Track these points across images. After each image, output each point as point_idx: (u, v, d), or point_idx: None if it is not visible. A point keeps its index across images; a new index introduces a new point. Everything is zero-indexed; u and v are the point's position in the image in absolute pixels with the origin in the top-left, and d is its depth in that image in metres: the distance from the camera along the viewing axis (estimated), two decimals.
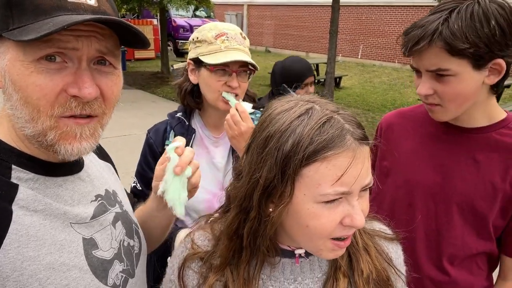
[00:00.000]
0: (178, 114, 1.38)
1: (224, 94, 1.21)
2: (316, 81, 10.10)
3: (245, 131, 1.14)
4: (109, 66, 0.71)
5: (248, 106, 1.19)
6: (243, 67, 1.24)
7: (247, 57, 1.21)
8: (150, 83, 10.29)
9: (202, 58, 1.22)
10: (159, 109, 7.71)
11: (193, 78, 1.30)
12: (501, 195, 1.02)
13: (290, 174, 0.64)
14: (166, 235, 1.06)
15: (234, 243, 0.75)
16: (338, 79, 10.22)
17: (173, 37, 15.09)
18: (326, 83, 7.34)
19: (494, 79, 0.96)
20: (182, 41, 14.74)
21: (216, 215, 0.87)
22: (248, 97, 1.36)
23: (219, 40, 1.22)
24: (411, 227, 1.09)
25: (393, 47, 13.85)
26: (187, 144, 1.30)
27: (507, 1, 0.93)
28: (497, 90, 1.01)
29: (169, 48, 14.13)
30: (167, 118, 1.39)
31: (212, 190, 1.31)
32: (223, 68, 1.21)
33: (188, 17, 15.68)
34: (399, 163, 1.17)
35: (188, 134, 1.33)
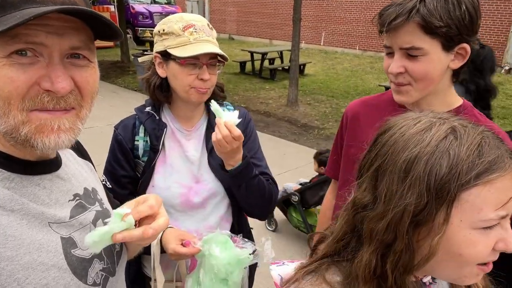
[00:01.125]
0: (148, 109, 1.33)
1: (212, 107, 1.17)
2: (281, 68, 10.17)
3: (238, 147, 1.16)
4: (83, 59, 0.69)
5: (235, 117, 1.16)
6: (213, 59, 1.22)
7: (217, 49, 1.20)
8: (110, 73, 9.91)
9: (171, 51, 1.19)
10: (122, 99, 7.46)
11: (161, 72, 1.26)
12: None
13: (447, 200, 0.59)
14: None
15: (373, 286, 0.65)
16: (302, 66, 10.31)
17: (132, 24, 14.56)
18: (290, 70, 7.38)
19: (458, 64, 1.03)
20: (142, 28, 14.26)
21: (312, 265, 0.73)
22: (217, 87, 1.34)
23: (187, 32, 1.18)
24: None
25: (354, 33, 14.12)
26: (159, 139, 1.28)
27: None
28: (457, 78, 1.08)
29: (128, 36, 13.66)
30: (135, 113, 1.35)
31: (187, 184, 1.30)
32: (194, 61, 1.19)
33: (148, 3, 15.18)
34: (365, 150, 1.22)
35: (160, 128, 1.30)
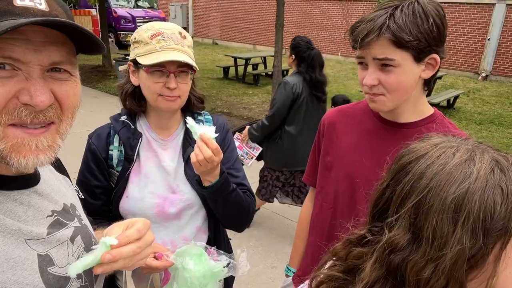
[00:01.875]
0: (123, 118, 1.31)
1: (188, 123, 1.14)
2: (264, 73, 10.21)
3: (218, 163, 1.14)
4: (64, 73, 0.67)
5: (211, 131, 1.14)
6: (182, 67, 1.19)
7: (184, 57, 1.17)
8: (91, 77, 9.76)
9: (139, 59, 1.18)
10: (102, 105, 7.34)
11: (134, 80, 1.25)
12: None
13: (502, 238, 0.55)
14: None
15: None
16: (285, 71, 10.38)
17: (114, 28, 14.40)
18: (273, 76, 7.41)
19: (429, 74, 1.07)
20: (124, 32, 14.12)
21: None
22: (195, 98, 1.33)
23: (155, 40, 1.17)
24: (354, 217, 1.16)
25: (336, 40, 14.31)
26: (134, 148, 1.26)
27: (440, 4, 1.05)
28: (428, 87, 1.12)
29: (110, 40, 13.49)
30: (110, 122, 1.32)
31: (163, 194, 1.27)
32: (159, 69, 1.17)
33: (130, 8, 15.05)
34: (341, 158, 1.24)
35: (135, 138, 1.27)
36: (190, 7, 19.19)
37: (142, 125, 1.32)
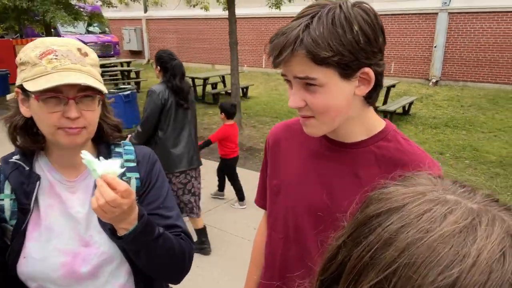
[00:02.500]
0: (14, 158, 1.05)
1: (84, 159, 0.90)
2: (224, 92, 10.10)
3: (129, 207, 0.91)
4: None
5: (116, 166, 0.91)
6: (85, 91, 0.97)
7: (85, 78, 0.95)
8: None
9: (25, 85, 0.94)
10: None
11: (24, 110, 1.00)
12: None
13: None
14: None
15: None
16: (245, 89, 10.32)
17: None
18: (232, 94, 7.31)
19: (364, 90, 0.90)
20: None
21: None
22: (109, 126, 1.10)
23: (45, 60, 0.94)
24: (304, 253, 1.02)
25: None
26: (30, 195, 1.01)
27: (371, 5, 0.88)
28: (371, 101, 0.96)
29: None
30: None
31: (72, 250, 1.03)
32: (54, 96, 0.93)
33: (81, 34, 14.60)
34: (287, 183, 1.08)
35: (30, 182, 1.02)
36: (144, 30, 18.93)
37: (42, 166, 1.06)
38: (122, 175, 0.99)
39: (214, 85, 10.68)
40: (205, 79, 9.92)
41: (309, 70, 0.84)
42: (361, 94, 0.90)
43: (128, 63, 12.97)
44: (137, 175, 1.11)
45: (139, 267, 1.07)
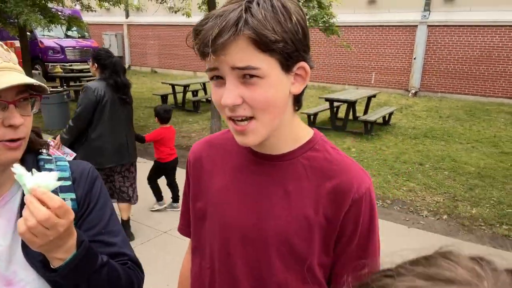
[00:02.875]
0: None
1: (16, 173, 0.75)
2: (205, 100, 9.96)
3: (66, 229, 0.75)
4: None
5: (50, 179, 0.75)
6: (22, 94, 0.83)
7: (22, 77, 0.81)
8: None
9: None
10: None
11: None
12: (317, 229, 0.85)
13: None
14: None
15: None
16: None
17: (42, 59, 13.47)
18: (212, 101, 7.20)
19: (299, 88, 0.82)
20: (52, 64, 13.24)
21: None
22: (33, 133, 0.94)
23: None
24: (234, 280, 0.89)
25: None
26: None
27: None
28: (299, 105, 0.88)
29: (37, 72, 12.56)
30: None
31: None
32: None
33: (60, 38, 14.23)
34: (213, 204, 0.94)
35: None
36: (126, 36, 18.65)
37: None
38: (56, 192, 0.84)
39: (195, 93, 10.53)
40: (186, 86, 9.77)
41: (251, 58, 0.73)
42: (297, 92, 0.82)
43: None
44: (73, 195, 0.93)
45: None
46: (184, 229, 1.08)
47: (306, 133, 0.91)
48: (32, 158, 0.94)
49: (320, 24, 7.48)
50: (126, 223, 3.72)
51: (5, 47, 0.85)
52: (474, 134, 7.80)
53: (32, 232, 0.72)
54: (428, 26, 12.00)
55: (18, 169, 0.75)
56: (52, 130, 7.38)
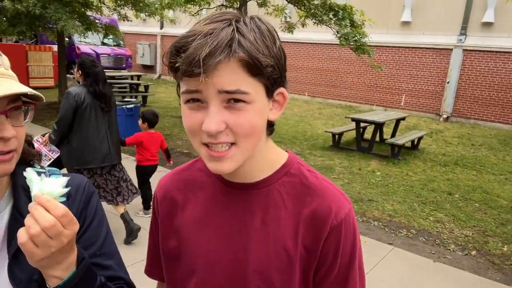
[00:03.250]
0: None
1: (27, 177, 0.72)
2: None
3: (69, 242, 0.70)
4: None
5: (57, 185, 0.71)
6: (15, 102, 0.77)
7: (16, 85, 0.76)
8: (44, 114, 9.17)
9: None
10: None
11: None
12: (298, 261, 0.78)
13: None
14: None
15: None
16: None
17: None
18: None
19: (276, 114, 0.78)
20: None
21: None
22: (26, 143, 0.87)
23: None
24: None
25: (303, 80, 14.49)
26: None
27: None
28: (272, 129, 0.82)
29: (72, 76, 13.04)
30: None
31: None
32: None
33: (95, 45, 14.76)
34: (186, 242, 0.86)
35: None
36: (159, 46, 19.14)
37: None
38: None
39: None
40: None
41: (241, 82, 0.68)
42: (274, 118, 0.78)
43: (139, 77, 13.01)
44: None
45: None
46: (152, 271, 1.00)
47: (280, 156, 0.85)
48: (24, 170, 0.89)
49: (351, 43, 7.37)
50: (122, 217, 3.80)
51: None
52: (508, 165, 7.40)
53: (34, 242, 0.66)
54: (464, 50, 11.66)
55: (29, 174, 0.72)
56: None
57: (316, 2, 7.42)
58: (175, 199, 0.90)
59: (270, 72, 0.70)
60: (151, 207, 4.05)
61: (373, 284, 3.37)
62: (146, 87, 12.09)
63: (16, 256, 0.79)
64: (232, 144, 0.72)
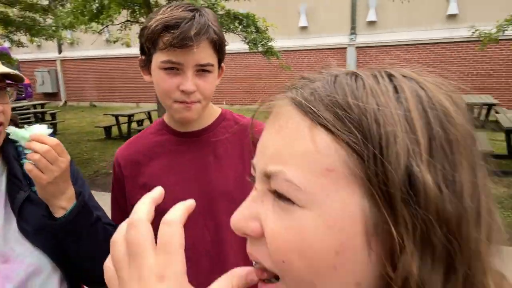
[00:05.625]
0: None
1: (11, 133, 0.86)
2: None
3: (65, 171, 0.87)
4: None
5: (43, 129, 0.87)
6: (1, 82, 0.88)
7: (0, 67, 0.88)
8: None
9: None
10: None
11: None
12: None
13: None
14: None
15: None
16: None
17: None
18: None
19: (218, 81, 1.09)
20: None
21: None
22: (11, 122, 0.99)
23: None
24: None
25: (221, 90, 14.80)
26: None
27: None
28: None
29: None
30: None
31: None
32: None
33: None
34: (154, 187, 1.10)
35: None
36: (60, 71, 17.95)
37: None
38: None
39: (140, 122, 10.40)
40: (130, 116, 9.63)
41: (210, 57, 0.99)
42: (216, 84, 1.07)
43: (42, 105, 12.10)
44: None
45: (71, 272, 0.95)
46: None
47: (216, 110, 1.15)
48: (12, 147, 1.01)
49: (259, 47, 7.88)
50: None
51: None
52: None
53: (38, 167, 0.82)
54: (356, 47, 13.07)
55: (11, 128, 0.86)
56: None
57: (220, 13, 7.79)
58: (139, 160, 1.10)
59: (223, 49, 1.02)
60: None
61: None
62: (53, 115, 11.32)
63: (20, 213, 0.92)
64: (197, 102, 1.00)
